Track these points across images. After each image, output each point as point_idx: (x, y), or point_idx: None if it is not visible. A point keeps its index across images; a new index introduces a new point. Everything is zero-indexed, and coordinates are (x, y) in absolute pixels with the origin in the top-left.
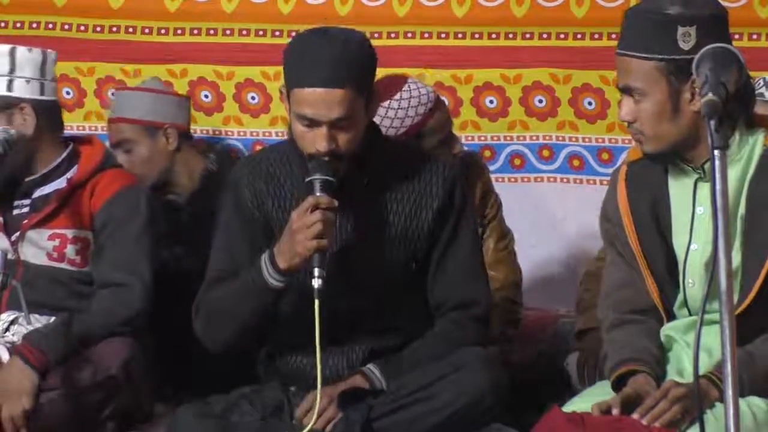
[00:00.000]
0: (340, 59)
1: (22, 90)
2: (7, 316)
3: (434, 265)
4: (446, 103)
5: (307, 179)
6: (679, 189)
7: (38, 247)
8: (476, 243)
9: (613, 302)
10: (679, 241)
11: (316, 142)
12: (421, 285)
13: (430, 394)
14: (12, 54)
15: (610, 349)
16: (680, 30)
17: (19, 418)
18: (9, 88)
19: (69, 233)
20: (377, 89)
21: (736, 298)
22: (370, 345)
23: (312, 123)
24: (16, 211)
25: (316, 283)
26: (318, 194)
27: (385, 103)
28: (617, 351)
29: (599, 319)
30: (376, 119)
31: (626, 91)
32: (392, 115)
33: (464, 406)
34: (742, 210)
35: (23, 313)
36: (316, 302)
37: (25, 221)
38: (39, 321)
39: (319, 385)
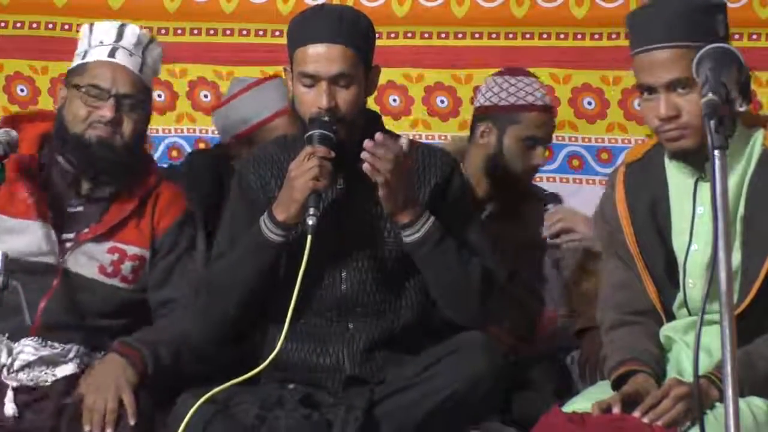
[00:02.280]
0: (340, 21)
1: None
2: (29, 352)
3: None
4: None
5: (306, 134)
6: (679, 189)
7: (92, 258)
8: (480, 224)
9: (612, 304)
10: (679, 242)
11: (317, 99)
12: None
13: (429, 376)
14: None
15: (609, 350)
16: (719, 17)
17: (110, 411)
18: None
19: (129, 249)
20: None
21: (735, 298)
22: (370, 333)
23: (313, 80)
24: (69, 209)
25: (311, 220)
26: (316, 145)
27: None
28: (617, 352)
29: (598, 321)
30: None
31: (671, 85)
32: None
33: (462, 388)
34: (741, 210)
35: (24, 316)
36: (309, 238)
37: (86, 232)
38: (54, 357)
39: (289, 317)
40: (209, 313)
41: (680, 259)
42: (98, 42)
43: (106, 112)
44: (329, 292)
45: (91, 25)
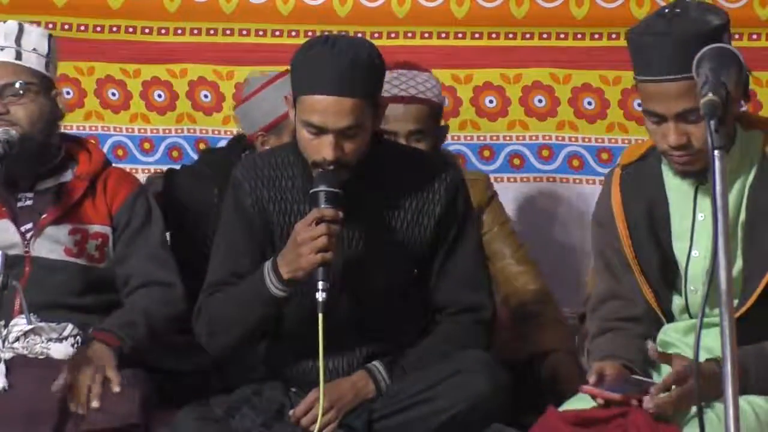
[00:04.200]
0: (351, 68)
1: (54, 74)
2: (22, 321)
3: (437, 270)
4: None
5: (312, 191)
6: (679, 195)
7: (55, 242)
8: (479, 248)
9: (599, 315)
10: (679, 247)
11: (322, 150)
12: (422, 290)
13: (431, 397)
14: (49, 38)
15: (593, 356)
16: (725, 35)
17: (94, 386)
18: (47, 68)
19: (90, 228)
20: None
21: (735, 303)
22: (371, 348)
23: (319, 131)
24: (20, 204)
25: (320, 296)
26: (323, 206)
27: None
28: (599, 354)
29: (586, 330)
30: None
31: (681, 115)
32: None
33: (465, 409)
34: (742, 216)
35: (24, 315)
36: (320, 316)
37: (44, 216)
38: (50, 330)
39: (321, 400)
40: (209, 341)
41: (681, 265)
42: None
43: None
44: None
45: None
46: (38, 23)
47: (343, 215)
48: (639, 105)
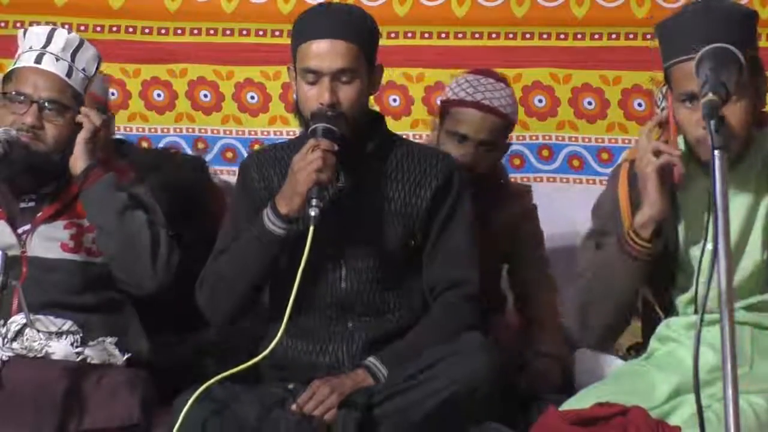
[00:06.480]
0: (344, 17)
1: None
2: (21, 318)
3: (429, 247)
4: None
5: (311, 128)
6: (691, 189)
7: (51, 240)
8: (470, 228)
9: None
10: (690, 241)
11: (319, 95)
12: (419, 268)
13: (428, 378)
14: (98, 61)
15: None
16: (757, 25)
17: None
18: (85, 91)
19: (85, 221)
20: None
21: (759, 289)
22: (370, 332)
23: (316, 76)
24: (22, 205)
25: (313, 211)
26: (320, 139)
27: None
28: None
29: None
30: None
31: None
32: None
33: (462, 389)
34: (763, 209)
35: (24, 314)
36: (311, 229)
37: (39, 215)
38: (48, 323)
39: (289, 309)
40: (213, 306)
41: (695, 258)
42: (28, 47)
43: (27, 118)
44: (329, 289)
45: (26, 30)
46: (38, 23)
47: (338, 148)
48: (640, 105)
